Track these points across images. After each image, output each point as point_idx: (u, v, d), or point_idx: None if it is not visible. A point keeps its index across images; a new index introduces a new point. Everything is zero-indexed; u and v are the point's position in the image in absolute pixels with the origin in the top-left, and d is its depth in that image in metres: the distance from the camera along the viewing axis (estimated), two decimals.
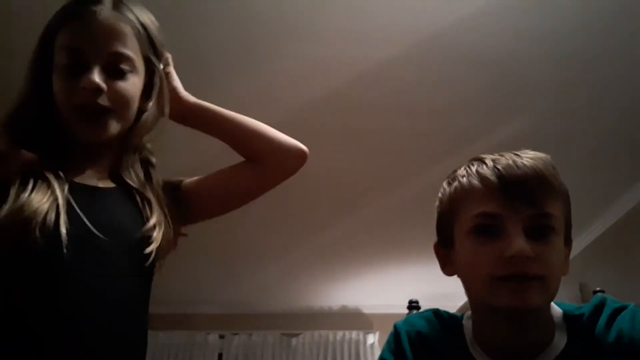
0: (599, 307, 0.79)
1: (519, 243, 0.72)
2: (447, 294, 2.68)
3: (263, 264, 3.87)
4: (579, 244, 3.51)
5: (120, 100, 0.86)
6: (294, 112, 2.48)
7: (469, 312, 0.85)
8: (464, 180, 0.80)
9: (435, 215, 0.87)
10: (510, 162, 0.76)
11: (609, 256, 3.32)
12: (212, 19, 2.02)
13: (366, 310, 4.64)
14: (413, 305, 2.05)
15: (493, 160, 0.78)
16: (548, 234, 0.75)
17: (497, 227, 0.75)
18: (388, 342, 0.88)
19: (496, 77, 2.28)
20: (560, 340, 0.78)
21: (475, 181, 0.78)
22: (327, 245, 3.62)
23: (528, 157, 0.78)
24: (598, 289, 2.25)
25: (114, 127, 0.87)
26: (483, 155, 0.81)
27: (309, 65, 2.22)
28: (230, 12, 1.99)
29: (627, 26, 2.03)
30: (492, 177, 0.76)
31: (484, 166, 0.78)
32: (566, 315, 0.80)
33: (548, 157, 0.81)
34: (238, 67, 2.24)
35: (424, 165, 2.80)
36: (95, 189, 0.87)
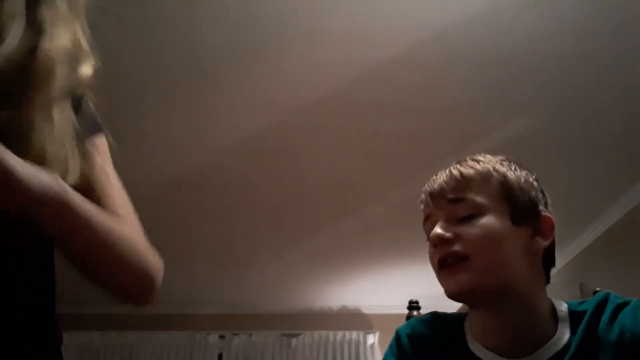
0: (602, 303, 0.80)
1: (435, 229, 0.82)
2: None
3: (263, 264, 3.87)
4: (579, 244, 3.51)
5: None
6: (294, 112, 2.48)
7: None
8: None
9: None
10: (437, 175, 0.88)
11: (609, 256, 3.32)
12: (212, 20, 2.01)
13: (366, 311, 4.64)
14: (413, 305, 2.04)
15: (430, 180, 0.90)
16: (472, 217, 0.82)
17: (433, 226, 0.84)
18: (390, 346, 0.90)
19: (496, 77, 2.28)
20: (563, 335, 0.79)
21: (420, 200, 0.91)
22: (327, 245, 3.62)
23: (458, 164, 0.88)
24: (598, 289, 2.24)
25: None
26: None
27: (309, 65, 2.22)
28: (229, 13, 1.99)
29: (628, 27, 2.03)
30: (424, 190, 0.89)
31: (426, 185, 0.91)
32: (570, 311, 0.81)
33: (486, 156, 0.89)
34: (237, 68, 2.24)
35: (424, 165, 2.79)
36: None
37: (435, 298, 3.73)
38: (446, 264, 0.81)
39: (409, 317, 1.99)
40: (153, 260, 0.73)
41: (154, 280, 0.73)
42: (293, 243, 3.60)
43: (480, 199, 0.83)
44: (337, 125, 2.57)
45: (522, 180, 0.85)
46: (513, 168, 0.87)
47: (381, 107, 2.45)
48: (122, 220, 0.71)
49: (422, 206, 0.89)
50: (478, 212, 0.82)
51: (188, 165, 2.85)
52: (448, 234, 0.81)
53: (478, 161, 0.87)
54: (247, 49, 2.14)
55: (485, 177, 0.85)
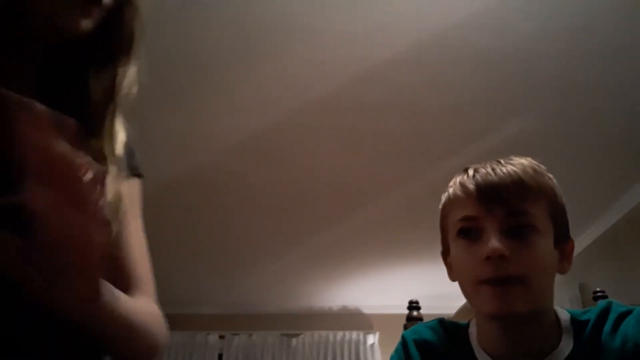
0: (605, 312, 0.79)
1: (493, 242, 0.75)
2: (447, 294, 2.67)
3: (263, 264, 3.87)
4: (579, 244, 3.51)
5: None
6: (294, 112, 2.48)
7: (474, 319, 0.86)
8: (450, 190, 0.85)
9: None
10: (489, 169, 0.81)
11: (609, 256, 3.32)
12: (212, 21, 2.01)
13: (366, 311, 4.64)
14: (413, 305, 2.04)
15: (474, 170, 0.83)
16: (527, 233, 0.77)
17: (477, 229, 0.79)
18: (397, 350, 0.89)
19: (497, 78, 2.28)
20: (566, 345, 0.78)
21: (458, 190, 0.83)
22: (327, 245, 3.62)
23: (509, 164, 0.81)
24: (598, 289, 2.24)
25: None
26: (468, 166, 0.85)
27: (309, 65, 2.22)
28: (230, 13, 1.99)
29: (630, 28, 2.03)
30: (471, 185, 0.81)
31: (465, 176, 0.83)
32: (573, 320, 0.81)
33: (532, 161, 0.84)
34: (237, 68, 2.23)
35: (424, 165, 2.80)
36: None
37: (435, 298, 3.72)
38: (495, 282, 0.75)
39: (409, 317, 1.99)
40: (163, 333, 0.75)
41: (161, 351, 0.76)
42: (293, 243, 3.60)
43: (539, 216, 0.78)
44: (337, 125, 2.57)
45: (562, 198, 0.83)
46: (555, 182, 0.82)
47: (381, 107, 2.45)
48: (140, 293, 0.73)
49: (459, 197, 0.81)
50: (534, 229, 0.77)
51: (188, 165, 2.85)
52: (508, 252, 0.75)
53: (535, 171, 0.81)
54: (247, 49, 2.14)
55: (541, 190, 0.80)
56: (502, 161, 0.83)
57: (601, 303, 0.82)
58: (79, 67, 0.73)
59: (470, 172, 0.83)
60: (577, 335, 0.79)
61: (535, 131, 2.56)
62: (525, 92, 2.36)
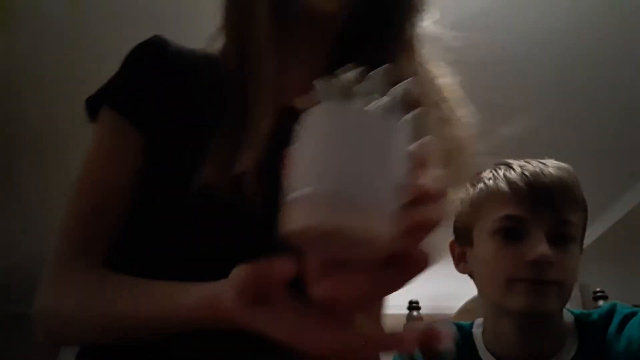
0: (609, 313, 0.80)
1: (543, 247, 0.75)
2: (447, 294, 2.67)
3: None
4: None
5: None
6: None
7: (479, 320, 0.86)
8: (491, 182, 0.82)
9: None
10: (538, 169, 0.79)
11: (609, 256, 3.32)
12: (212, 20, 2.01)
13: None
14: (413, 305, 2.04)
15: (521, 167, 0.81)
16: (568, 242, 0.78)
17: (520, 230, 0.78)
18: None
19: (496, 78, 2.28)
20: (571, 346, 0.79)
21: (503, 185, 0.80)
22: None
23: (554, 167, 0.81)
24: (598, 289, 2.24)
25: None
26: (509, 161, 0.84)
27: None
28: None
29: (630, 28, 2.03)
30: (520, 183, 0.78)
31: (512, 171, 0.81)
32: (578, 321, 0.81)
33: (570, 168, 0.84)
34: None
35: None
36: None
37: (434, 298, 3.72)
38: (533, 282, 0.76)
39: (409, 317, 1.99)
40: None
41: None
42: None
43: (578, 226, 0.81)
44: None
45: None
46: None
47: None
48: None
49: (505, 193, 0.78)
50: (574, 239, 0.79)
51: None
52: (554, 260, 0.75)
53: (577, 179, 0.81)
54: None
55: (583, 202, 0.82)
56: (542, 162, 0.81)
57: (605, 305, 0.82)
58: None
59: (517, 168, 0.81)
60: (582, 337, 0.79)
61: (535, 132, 2.56)
62: (524, 92, 2.36)
